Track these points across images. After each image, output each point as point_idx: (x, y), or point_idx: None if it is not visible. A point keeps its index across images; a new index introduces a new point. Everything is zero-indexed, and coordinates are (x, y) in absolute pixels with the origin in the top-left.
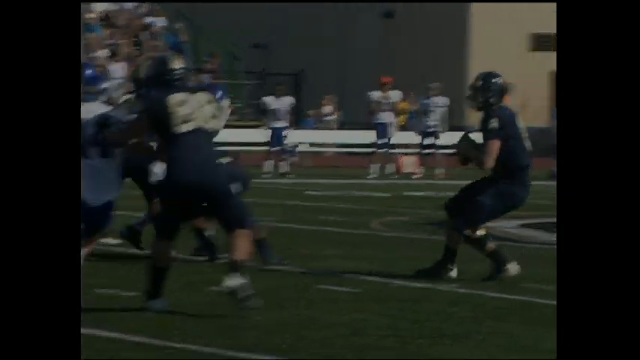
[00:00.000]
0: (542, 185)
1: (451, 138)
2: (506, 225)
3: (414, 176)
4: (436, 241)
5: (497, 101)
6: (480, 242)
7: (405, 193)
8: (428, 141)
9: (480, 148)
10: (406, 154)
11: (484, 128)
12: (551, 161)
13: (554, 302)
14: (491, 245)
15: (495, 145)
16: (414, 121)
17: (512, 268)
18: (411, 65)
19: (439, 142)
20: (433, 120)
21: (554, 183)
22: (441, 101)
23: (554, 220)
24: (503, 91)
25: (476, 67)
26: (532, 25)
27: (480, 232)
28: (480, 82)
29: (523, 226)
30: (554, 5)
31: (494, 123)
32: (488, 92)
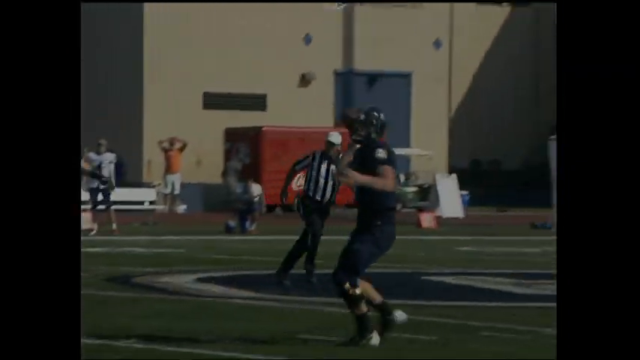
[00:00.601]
0: (218, 240)
1: (124, 194)
2: (182, 279)
3: (91, 233)
4: (111, 297)
5: (378, 136)
6: (355, 301)
7: (82, 250)
8: (99, 197)
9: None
10: (83, 210)
11: (370, 158)
12: (225, 216)
13: (236, 355)
14: (363, 307)
15: (391, 170)
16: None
17: (375, 338)
18: (87, 121)
19: (111, 198)
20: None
21: (229, 237)
22: (109, 157)
23: (231, 273)
24: (384, 126)
25: (150, 125)
26: (206, 84)
27: (358, 291)
28: (362, 117)
29: (199, 280)
30: (227, 65)
31: (381, 153)
32: (370, 126)
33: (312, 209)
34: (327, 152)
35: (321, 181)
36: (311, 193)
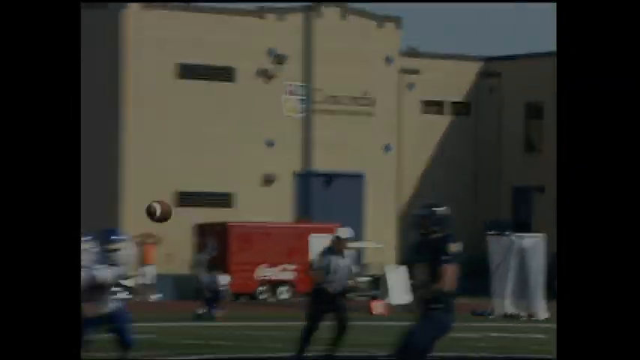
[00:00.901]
0: (187, 326)
1: None
2: None
3: None
4: None
5: (439, 230)
6: None
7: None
8: None
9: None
10: None
11: (442, 251)
12: (195, 304)
13: None
14: None
15: (454, 270)
16: None
17: None
18: None
19: None
20: None
21: (197, 324)
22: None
23: (198, 357)
24: (445, 220)
25: (128, 220)
26: (178, 184)
27: None
28: (425, 211)
29: None
30: (198, 166)
31: (459, 247)
32: (431, 221)
33: (321, 302)
34: (335, 246)
35: (332, 274)
36: (323, 286)
